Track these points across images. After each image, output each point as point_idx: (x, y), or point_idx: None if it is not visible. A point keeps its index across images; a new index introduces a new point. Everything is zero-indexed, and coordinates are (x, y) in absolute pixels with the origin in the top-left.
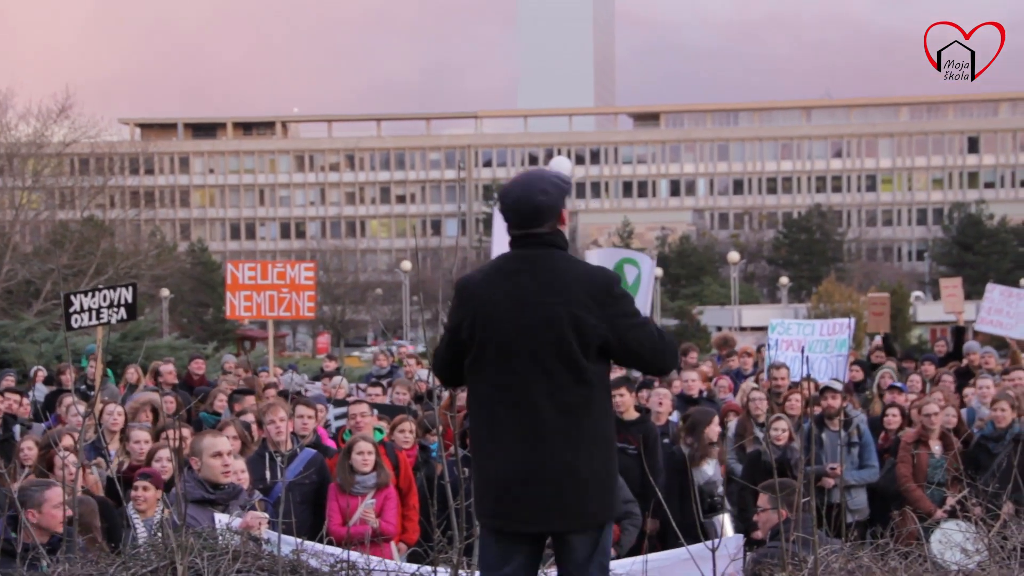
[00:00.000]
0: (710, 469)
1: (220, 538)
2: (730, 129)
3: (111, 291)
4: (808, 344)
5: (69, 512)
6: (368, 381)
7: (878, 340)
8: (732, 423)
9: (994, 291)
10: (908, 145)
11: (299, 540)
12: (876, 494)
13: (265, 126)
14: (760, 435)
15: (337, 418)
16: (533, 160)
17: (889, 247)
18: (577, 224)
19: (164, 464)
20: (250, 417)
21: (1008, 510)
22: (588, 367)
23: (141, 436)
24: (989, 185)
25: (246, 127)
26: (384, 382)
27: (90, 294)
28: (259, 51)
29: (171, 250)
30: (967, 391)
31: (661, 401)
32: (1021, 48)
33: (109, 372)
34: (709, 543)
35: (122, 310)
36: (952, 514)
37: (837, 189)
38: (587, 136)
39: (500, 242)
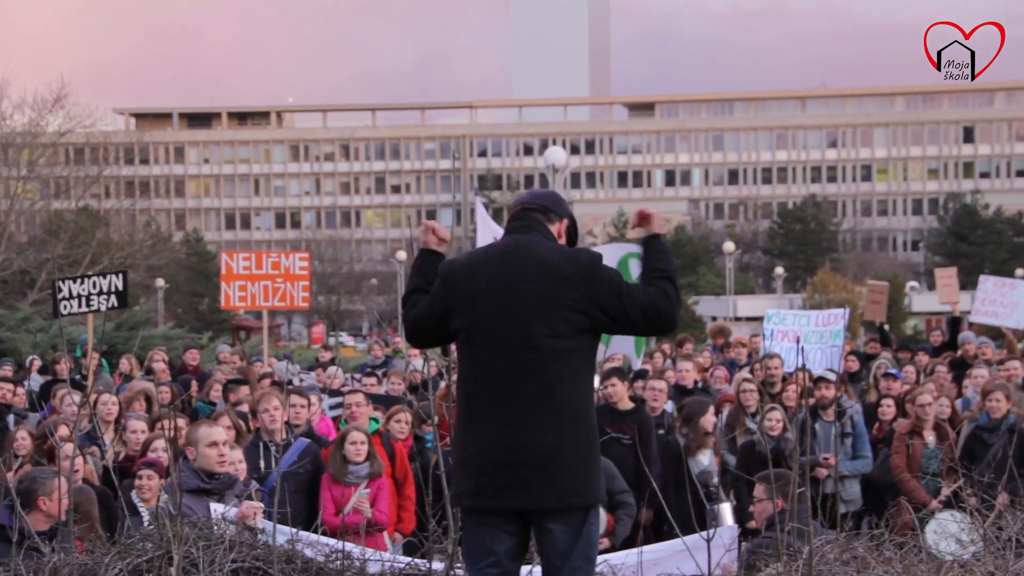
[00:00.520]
0: (705, 459)
1: (216, 528)
2: (725, 119)
3: (101, 278)
4: (804, 335)
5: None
6: (363, 372)
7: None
8: (724, 413)
9: (987, 283)
10: (903, 135)
11: (294, 530)
12: (870, 485)
13: (260, 116)
14: (752, 426)
15: (332, 408)
16: (528, 150)
17: (884, 237)
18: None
19: (160, 454)
20: (245, 407)
21: (1003, 500)
22: (569, 349)
23: (138, 426)
24: (984, 175)
25: (241, 117)
26: (379, 372)
27: (79, 281)
28: (253, 40)
29: (166, 240)
30: (965, 382)
31: (656, 393)
32: (1017, 39)
33: (104, 362)
34: (704, 534)
35: (112, 297)
36: (947, 504)
37: (832, 179)
38: (582, 126)
39: (484, 237)
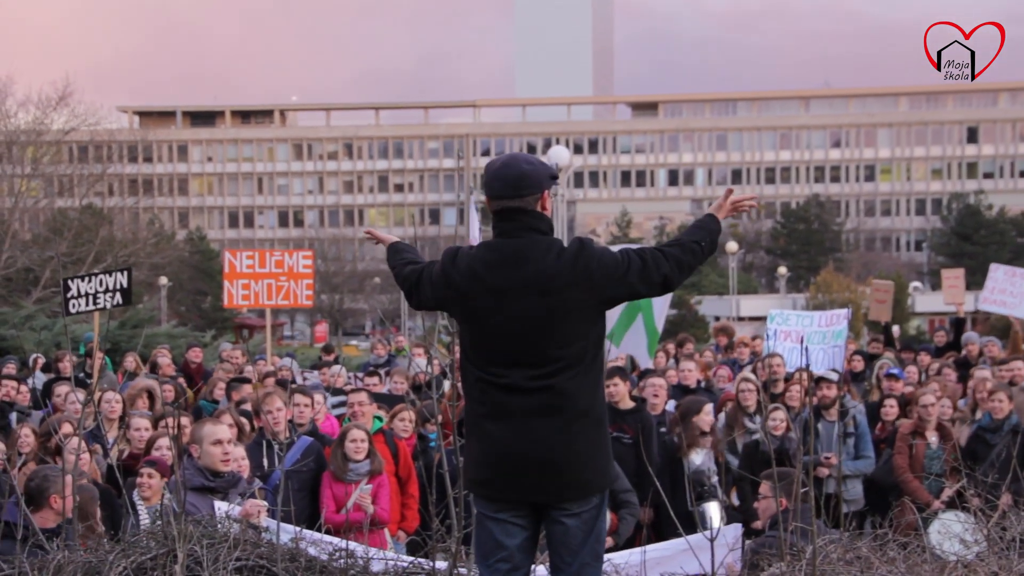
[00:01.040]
0: (698, 458)
1: (219, 526)
2: (728, 119)
3: (107, 276)
4: (806, 335)
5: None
6: (365, 370)
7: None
8: (722, 413)
9: (998, 271)
10: (907, 135)
11: (298, 528)
12: (873, 484)
13: (263, 114)
14: (751, 426)
15: (335, 407)
16: (531, 149)
17: (888, 237)
18: (575, 214)
19: (164, 452)
20: (248, 406)
21: (1006, 501)
22: (578, 353)
23: (141, 423)
24: (988, 175)
25: (244, 115)
26: (381, 371)
27: (87, 279)
28: (257, 39)
29: (169, 238)
30: (969, 382)
31: (656, 391)
32: (1021, 39)
33: (107, 360)
34: (707, 533)
35: (118, 295)
36: (951, 505)
37: (836, 179)
38: (585, 125)
39: (475, 236)
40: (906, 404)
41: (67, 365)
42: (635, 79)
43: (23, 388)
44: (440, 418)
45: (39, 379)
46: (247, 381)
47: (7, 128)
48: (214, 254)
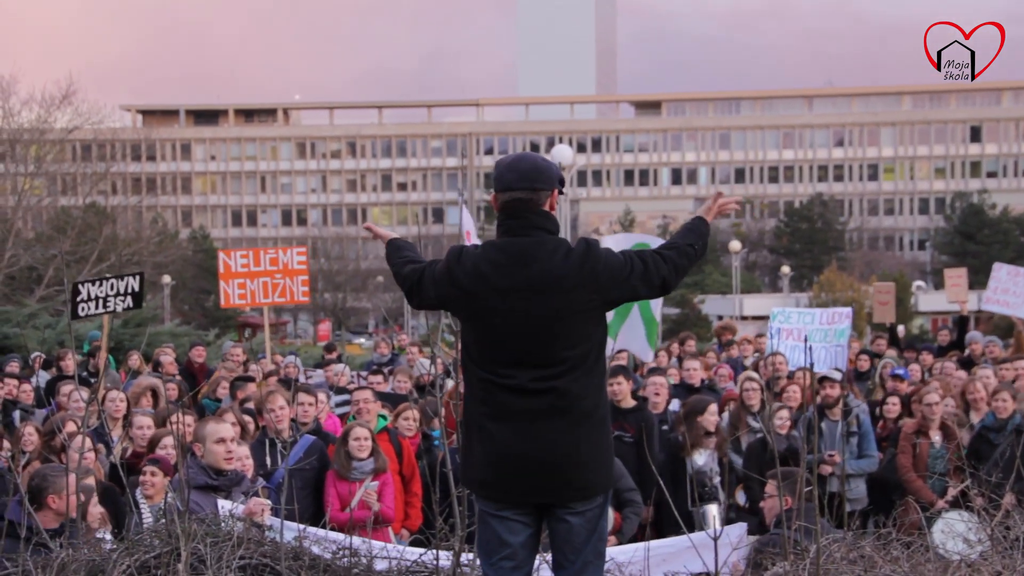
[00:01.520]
0: (701, 458)
1: (223, 524)
2: (732, 118)
3: (118, 280)
4: (809, 333)
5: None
6: (369, 369)
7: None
8: (726, 413)
9: (1001, 270)
10: (910, 134)
11: (301, 527)
12: (876, 483)
13: (266, 113)
14: (755, 425)
15: (338, 405)
16: (535, 148)
17: (891, 236)
18: (579, 212)
19: (168, 451)
20: (252, 404)
21: (1009, 500)
22: (583, 353)
23: (144, 422)
24: (991, 174)
25: (247, 114)
26: (385, 370)
27: (97, 283)
28: (261, 38)
29: (173, 237)
30: (963, 383)
31: (658, 390)
32: (1023, 39)
33: (111, 358)
34: (711, 531)
35: (128, 299)
36: (954, 504)
37: (839, 178)
38: (588, 124)
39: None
40: (909, 403)
41: (69, 363)
42: (638, 78)
43: (26, 386)
44: (443, 416)
45: (42, 378)
46: (251, 380)
47: (11, 127)
48: (217, 253)
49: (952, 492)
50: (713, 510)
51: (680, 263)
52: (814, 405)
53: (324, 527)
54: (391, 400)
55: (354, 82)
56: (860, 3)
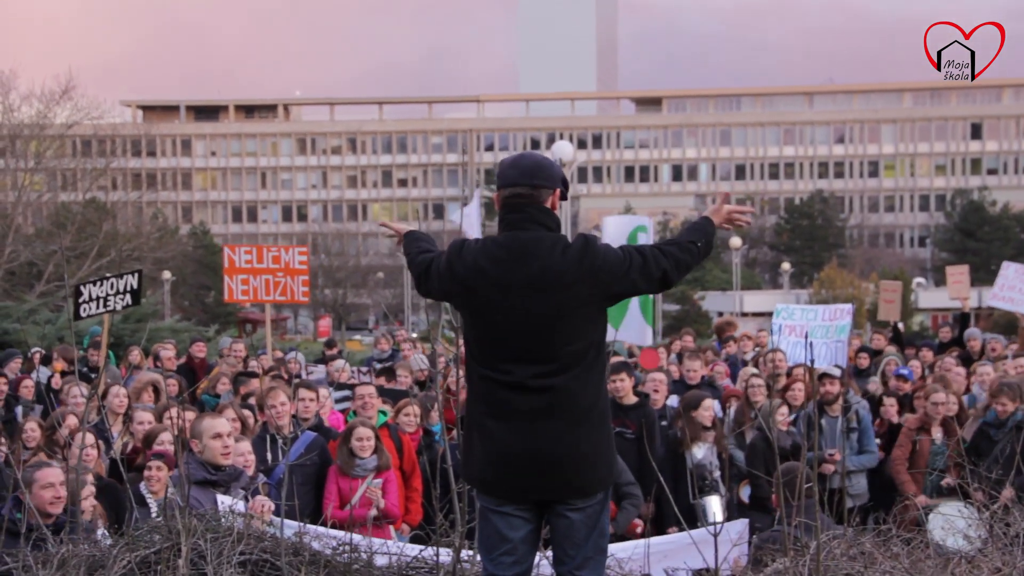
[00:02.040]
0: (700, 452)
1: (223, 520)
2: (732, 114)
3: (118, 279)
4: (810, 329)
5: (64, 492)
6: (369, 364)
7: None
8: (731, 409)
9: (1009, 268)
10: (911, 131)
11: (301, 523)
12: (877, 479)
13: (267, 109)
14: (760, 422)
15: (339, 401)
16: (535, 144)
17: (891, 233)
18: (579, 208)
19: (165, 446)
20: (253, 400)
21: (1008, 495)
22: (583, 348)
23: (145, 417)
24: (992, 172)
25: (248, 110)
26: (390, 364)
27: (98, 283)
28: (261, 34)
29: (173, 233)
30: (971, 378)
31: (657, 387)
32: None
33: (111, 354)
34: (711, 528)
35: (127, 296)
36: (951, 492)
37: (839, 175)
38: (589, 120)
39: (469, 228)
40: (910, 402)
41: (61, 363)
42: (639, 74)
43: (28, 382)
44: (442, 409)
45: (43, 374)
46: (254, 375)
47: (10, 122)
48: (217, 249)
49: (947, 481)
50: (714, 502)
51: (681, 258)
52: (814, 401)
53: (325, 524)
54: (392, 396)
55: (355, 78)
56: (861, 0)
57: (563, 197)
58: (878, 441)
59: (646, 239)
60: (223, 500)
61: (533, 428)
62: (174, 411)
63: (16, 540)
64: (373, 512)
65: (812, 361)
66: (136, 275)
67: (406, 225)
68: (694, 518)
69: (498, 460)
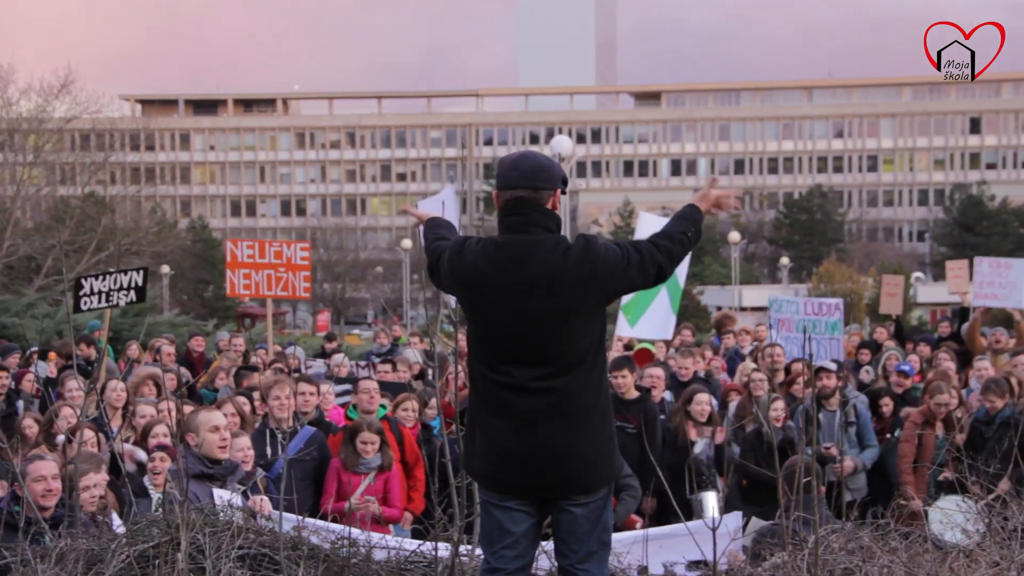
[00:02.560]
0: (698, 447)
1: (221, 514)
2: (731, 109)
3: (122, 275)
4: (796, 323)
5: (57, 486)
6: (368, 359)
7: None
8: (733, 404)
9: (982, 264)
10: (910, 125)
11: (300, 517)
12: (875, 473)
13: (266, 103)
14: (759, 416)
15: (338, 395)
16: (534, 139)
17: (890, 228)
18: (578, 203)
19: (160, 439)
20: (254, 393)
21: (1004, 487)
22: (583, 348)
23: (147, 410)
24: (991, 166)
25: (247, 104)
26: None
27: (101, 278)
28: (260, 28)
29: (171, 227)
30: (970, 372)
31: (654, 382)
32: (1023, 30)
33: (110, 348)
34: (709, 521)
35: (132, 293)
36: (951, 491)
37: (838, 169)
38: (588, 115)
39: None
40: (908, 399)
41: (55, 357)
42: (638, 69)
43: (30, 376)
44: (436, 400)
45: (43, 369)
46: (255, 370)
47: (9, 116)
48: (216, 243)
49: (945, 476)
50: (711, 498)
51: (674, 250)
52: (812, 396)
53: (324, 519)
54: (391, 389)
55: (354, 72)
56: None
57: (562, 192)
58: None
59: None
60: (220, 494)
61: (535, 428)
62: (169, 404)
63: (15, 534)
64: (372, 510)
65: (811, 356)
66: (141, 272)
67: (426, 213)
68: (693, 512)
69: (500, 457)
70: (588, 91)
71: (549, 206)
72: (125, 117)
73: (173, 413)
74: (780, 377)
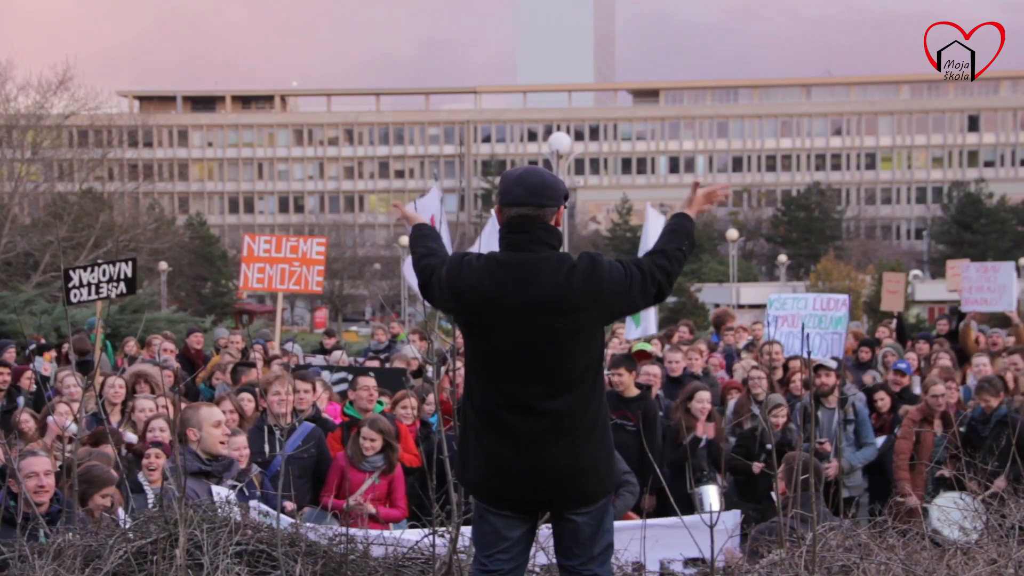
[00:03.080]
0: (699, 444)
1: (219, 510)
2: (729, 106)
3: (111, 266)
4: (802, 318)
5: (49, 482)
6: (366, 356)
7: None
8: (732, 401)
9: (969, 270)
10: (908, 123)
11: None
12: (874, 470)
13: (264, 100)
14: (760, 416)
15: (335, 383)
16: (532, 136)
17: (888, 225)
18: (576, 201)
19: (156, 434)
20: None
21: (1000, 484)
22: (584, 366)
23: (147, 405)
24: (989, 164)
25: (245, 100)
26: (381, 356)
27: (89, 269)
28: (258, 24)
29: (169, 223)
30: (968, 371)
31: (650, 377)
32: (1022, 28)
33: (107, 344)
34: (706, 516)
35: (121, 284)
36: (949, 487)
37: (836, 167)
38: (586, 112)
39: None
40: (905, 397)
41: (49, 361)
42: (636, 66)
43: (30, 373)
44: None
45: (38, 364)
46: (252, 365)
47: (7, 112)
48: (214, 239)
49: (942, 473)
50: (712, 492)
51: (672, 268)
52: (811, 394)
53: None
54: (387, 383)
55: (352, 69)
56: None
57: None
58: None
59: None
60: (218, 491)
61: (536, 448)
62: (165, 400)
63: (12, 530)
64: (366, 511)
65: (808, 353)
66: (130, 263)
67: (417, 216)
68: (692, 508)
69: (494, 476)
70: (586, 88)
71: (552, 222)
72: (123, 113)
73: (171, 410)
74: (779, 375)
